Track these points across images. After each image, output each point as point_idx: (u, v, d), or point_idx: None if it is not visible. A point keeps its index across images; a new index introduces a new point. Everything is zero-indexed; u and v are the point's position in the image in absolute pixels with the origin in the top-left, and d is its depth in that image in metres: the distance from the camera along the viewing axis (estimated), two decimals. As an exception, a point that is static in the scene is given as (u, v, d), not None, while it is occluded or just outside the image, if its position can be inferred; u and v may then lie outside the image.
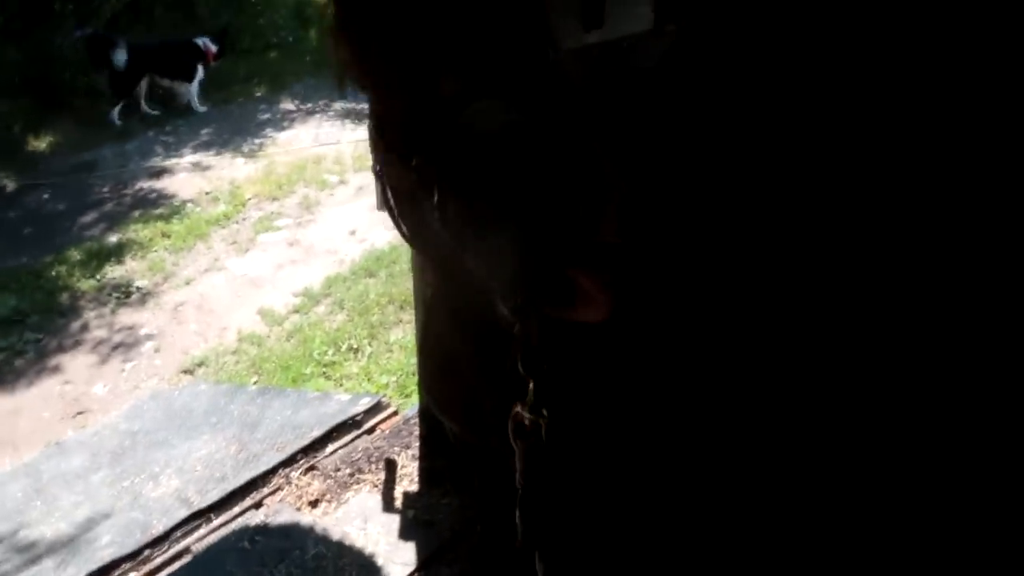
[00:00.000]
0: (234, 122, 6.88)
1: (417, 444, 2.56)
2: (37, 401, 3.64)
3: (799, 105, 0.61)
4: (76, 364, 3.88)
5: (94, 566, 2.46)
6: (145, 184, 5.73)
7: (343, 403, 2.98)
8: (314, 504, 2.50)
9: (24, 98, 6.56)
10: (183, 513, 2.56)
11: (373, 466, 2.58)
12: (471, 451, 1.81)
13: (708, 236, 0.68)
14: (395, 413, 2.90)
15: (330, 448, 2.73)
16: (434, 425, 2.47)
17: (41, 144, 6.27)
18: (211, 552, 2.45)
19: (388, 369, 3.50)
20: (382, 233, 4.83)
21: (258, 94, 7.38)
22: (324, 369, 3.59)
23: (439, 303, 1.42)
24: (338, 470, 2.60)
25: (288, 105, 7.36)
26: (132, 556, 2.49)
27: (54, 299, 4.38)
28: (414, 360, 3.52)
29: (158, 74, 6.80)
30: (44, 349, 4.00)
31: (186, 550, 2.49)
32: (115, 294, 4.41)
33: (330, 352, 3.71)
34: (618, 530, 0.90)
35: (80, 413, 3.56)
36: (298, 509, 2.51)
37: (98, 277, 4.56)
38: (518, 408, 0.87)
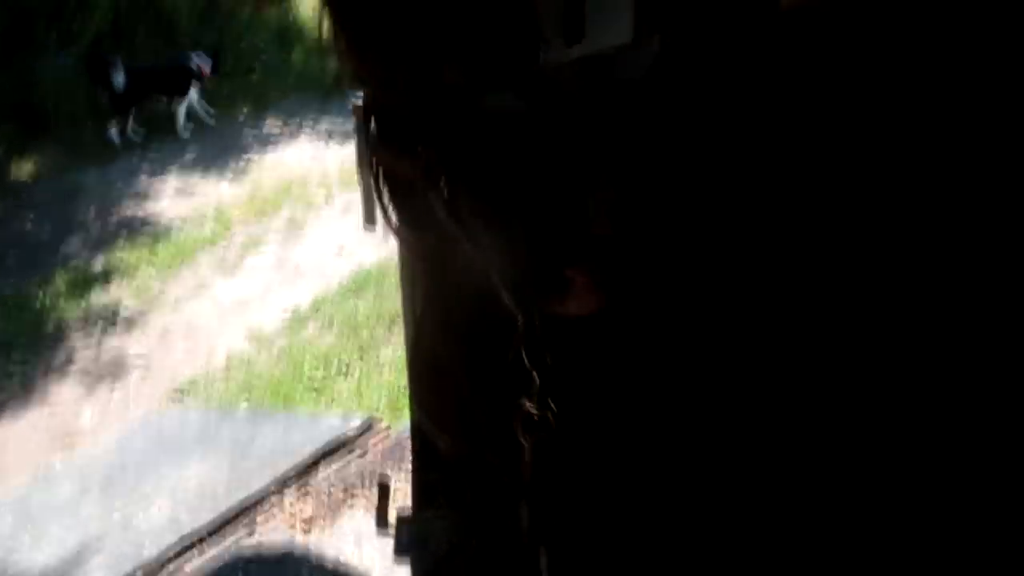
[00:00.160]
0: (218, 143, 6.85)
1: (410, 462, 2.55)
2: (24, 430, 3.60)
3: (785, 113, 0.62)
4: (63, 391, 3.85)
5: (86, 596, 2.44)
6: (130, 207, 5.70)
7: (335, 423, 2.97)
8: (308, 526, 2.48)
9: (6, 124, 6.53)
10: (175, 539, 2.54)
11: (366, 486, 2.57)
12: (464, 464, 1.80)
13: (702, 237, 0.68)
14: (387, 431, 2.89)
15: (323, 469, 2.72)
16: (427, 441, 2.45)
17: (24, 169, 6.24)
18: (205, 578, 2.43)
19: (379, 387, 3.49)
20: (370, 251, 4.83)
21: (242, 115, 7.36)
22: (315, 389, 3.57)
23: (429, 313, 1.42)
24: (331, 491, 2.58)
25: (273, 125, 7.35)
26: (125, 585, 2.46)
27: (39, 326, 4.34)
28: (405, 377, 3.51)
29: (156, 92, 6.82)
30: (30, 377, 3.96)
31: (179, 577, 2.47)
32: (102, 319, 4.38)
33: (320, 371, 3.70)
34: (624, 524, 0.89)
35: (68, 440, 3.53)
36: (292, 532, 2.49)
37: (84, 302, 4.53)
38: (524, 402, 0.87)
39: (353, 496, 2.54)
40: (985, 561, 0.63)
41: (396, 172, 0.96)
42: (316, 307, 4.29)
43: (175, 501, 2.76)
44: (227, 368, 3.85)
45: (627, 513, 0.86)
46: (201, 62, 6.78)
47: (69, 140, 6.59)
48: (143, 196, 5.88)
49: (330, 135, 7.09)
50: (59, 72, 6.87)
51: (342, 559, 2.34)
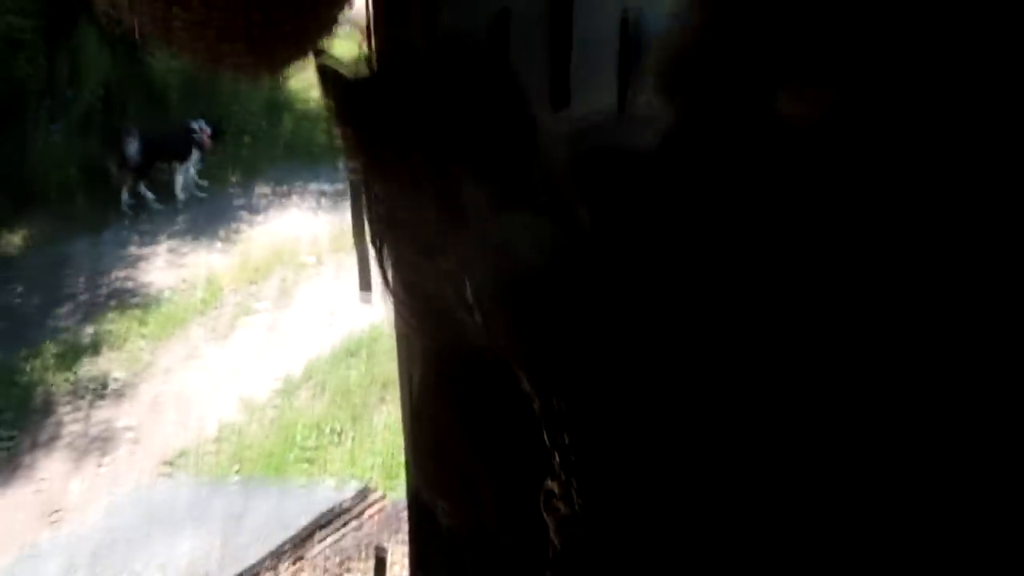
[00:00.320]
0: (209, 209, 6.92)
1: (407, 530, 2.52)
2: (10, 502, 3.53)
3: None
4: (51, 462, 3.79)
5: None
6: (120, 275, 5.71)
7: (329, 491, 2.94)
8: (304, 599, 2.43)
9: (-3, 194, 6.57)
10: (168, 616, 2.48)
11: (363, 557, 2.53)
12: (464, 532, 1.79)
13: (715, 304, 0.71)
14: (383, 499, 2.86)
15: (318, 539, 2.68)
16: (425, 510, 2.43)
17: (15, 239, 6.25)
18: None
19: (373, 452, 3.47)
20: (361, 316, 4.84)
21: (232, 181, 7.44)
22: (308, 456, 3.54)
23: (428, 380, 1.44)
24: (327, 563, 2.54)
25: (263, 190, 7.44)
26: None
27: (28, 396, 4.29)
28: (400, 441, 3.48)
29: (161, 160, 6.98)
30: (17, 448, 3.90)
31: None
32: (91, 388, 4.34)
33: (313, 438, 3.67)
34: None
35: (56, 513, 3.46)
36: (288, 605, 2.44)
37: (73, 372, 4.49)
38: (548, 482, 0.89)
39: (350, 568, 2.50)
40: (990, 561, 0.63)
41: (399, 236, 0.99)
42: (308, 374, 4.28)
43: (167, 575, 2.71)
44: (218, 438, 3.81)
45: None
46: (203, 129, 6.97)
47: (59, 210, 6.63)
48: (133, 265, 5.89)
49: (320, 201, 7.18)
50: (50, 143, 6.95)
51: (340, 633, 2.30)
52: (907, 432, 0.61)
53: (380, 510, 2.79)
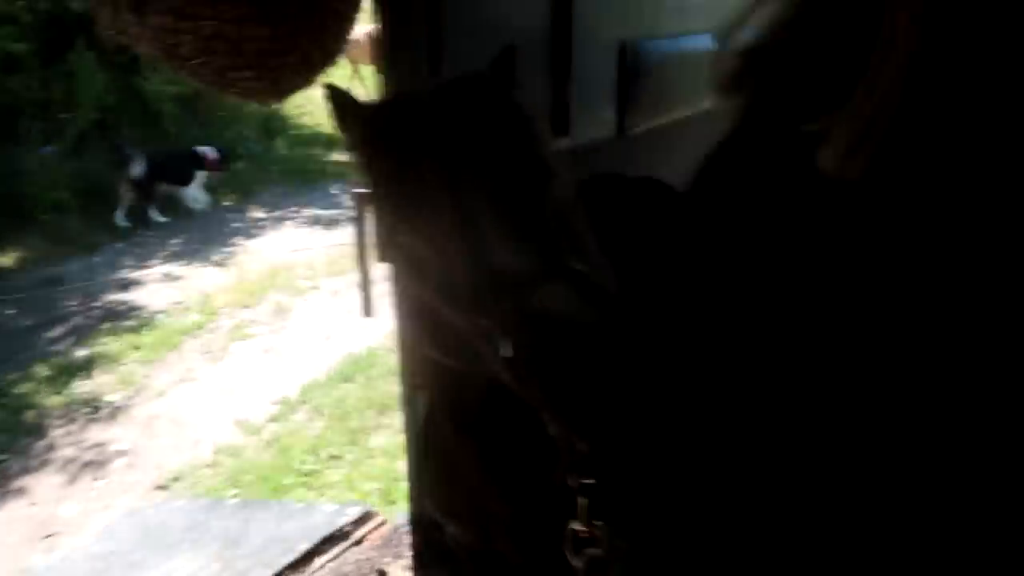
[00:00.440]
0: (204, 231, 6.93)
1: (409, 554, 2.50)
2: (2, 525, 3.49)
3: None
4: (43, 484, 3.75)
5: None
6: (114, 296, 5.69)
7: (329, 514, 2.91)
8: (305, 622, 2.41)
9: (-10, 215, 6.56)
10: (166, 639, 2.45)
11: (365, 578, 2.52)
12: (474, 557, 1.79)
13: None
14: (384, 522, 2.84)
15: (318, 562, 2.65)
16: (428, 534, 2.43)
17: (7, 259, 6.23)
18: None
19: (371, 476, 3.45)
20: (357, 337, 4.85)
21: (227, 203, 7.47)
22: (305, 479, 3.52)
23: (440, 403, 1.45)
24: (329, 585, 2.52)
25: (257, 213, 7.46)
26: None
27: (19, 417, 4.26)
28: (397, 466, 3.48)
29: (166, 181, 7.17)
30: (8, 470, 3.86)
31: None
32: (84, 410, 4.31)
33: (310, 461, 3.65)
34: None
35: (49, 536, 3.42)
36: (288, 628, 2.42)
37: (66, 393, 4.46)
38: (573, 523, 0.91)
39: (351, 589, 2.49)
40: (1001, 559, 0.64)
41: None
42: (304, 397, 4.27)
43: (164, 599, 2.68)
44: (214, 461, 3.79)
45: None
46: (210, 154, 7.14)
47: (53, 231, 6.63)
48: (127, 285, 5.88)
49: (314, 223, 7.21)
50: (45, 164, 6.97)
51: (340, 656, 2.27)
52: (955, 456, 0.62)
53: (382, 533, 2.77)
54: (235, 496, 3.43)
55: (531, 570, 1.65)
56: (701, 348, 0.73)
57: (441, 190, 0.96)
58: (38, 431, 4.16)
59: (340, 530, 2.80)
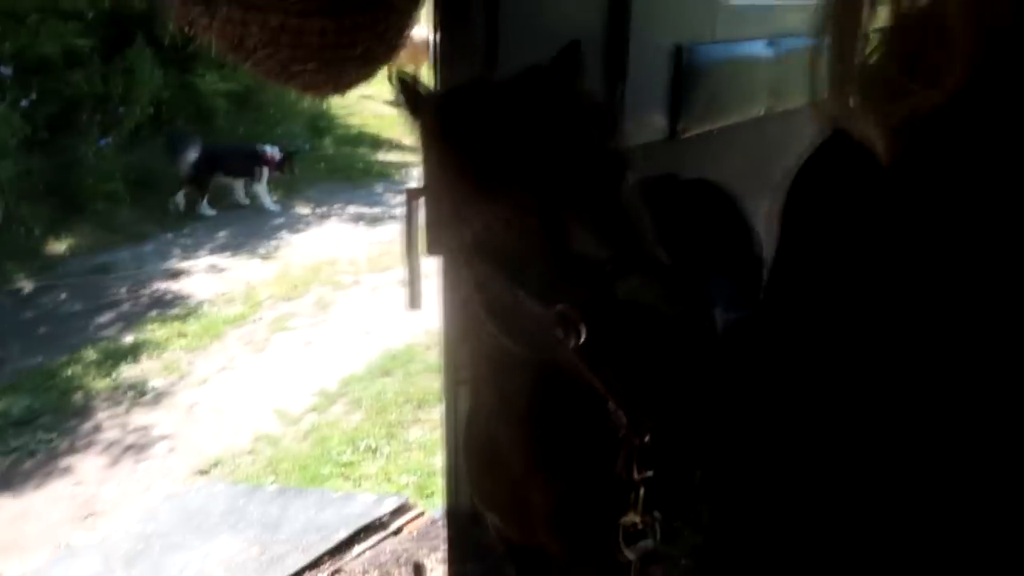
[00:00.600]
0: (249, 225, 7.06)
1: (445, 546, 2.52)
2: (46, 503, 3.58)
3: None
4: (87, 465, 3.84)
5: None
6: (161, 285, 5.82)
7: (368, 504, 2.94)
8: (341, 608, 2.43)
9: (46, 203, 6.76)
10: (205, 619, 2.49)
11: (401, 569, 2.53)
12: (513, 549, 1.80)
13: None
14: (421, 514, 2.86)
15: (356, 550, 2.68)
16: (463, 527, 2.44)
17: (60, 247, 6.41)
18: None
19: (407, 469, 3.48)
20: (397, 333, 4.90)
21: (273, 198, 7.60)
22: (342, 469, 3.56)
23: (488, 398, 1.46)
24: (365, 573, 2.54)
25: (303, 209, 7.59)
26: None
27: (67, 399, 4.37)
28: (434, 460, 3.50)
29: (224, 173, 7.35)
30: (55, 450, 3.96)
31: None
32: (129, 394, 4.41)
33: (348, 452, 3.69)
34: None
35: (90, 515, 3.50)
36: (324, 614, 2.44)
37: (113, 377, 4.57)
38: (629, 515, 0.91)
39: (387, 579, 2.50)
40: None
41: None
42: (343, 389, 4.32)
43: (203, 580, 2.72)
44: (253, 448, 3.85)
45: None
46: (273, 154, 7.32)
47: (104, 220, 6.80)
48: (175, 274, 6.01)
49: (358, 220, 7.30)
50: (99, 155, 7.17)
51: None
52: None
53: (419, 525, 2.79)
54: (273, 483, 3.48)
55: (571, 563, 1.65)
56: (779, 347, 0.72)
57: (522, 177, 0.97)
58: (85, 413, 4.26)
59: (378, 520, 2.83)
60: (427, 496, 3.21)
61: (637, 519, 0.92)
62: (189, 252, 6.44)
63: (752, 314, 0.76)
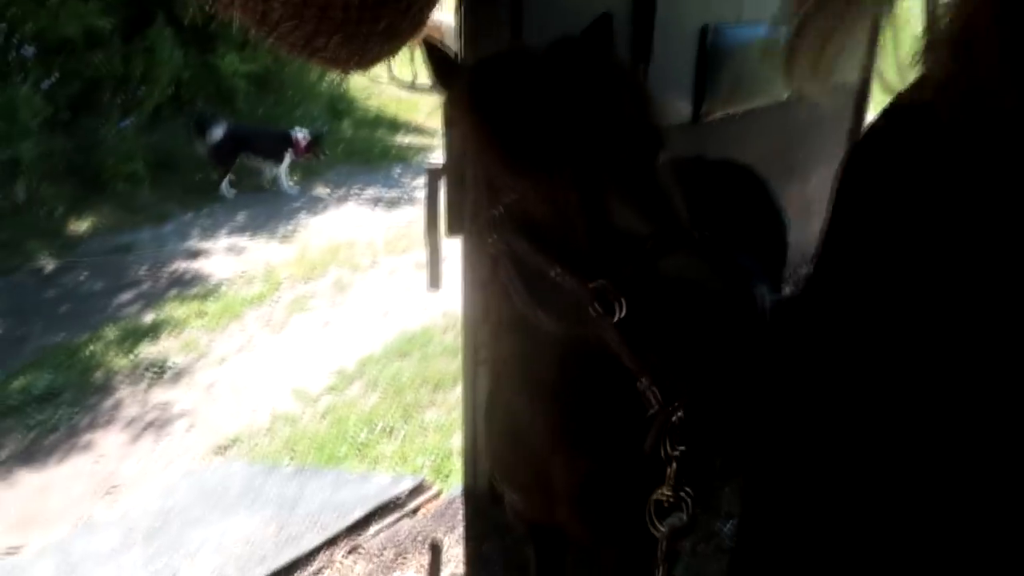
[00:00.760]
0: (268, 207, 7.09)
1: (461, 526, 2.52)
2: (68, 477, 3.62)
3: None
4: (108, 441, 3.88)
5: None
6: (181, 265, 5.86)
7: (385, 483, 2.95)
8: (358, 586, 2.44)
9: (68, 183, 6.81)
10: (224, 594, 2.51)
11: (418, 548, 2.54)
12: (533, 528, 1.79)
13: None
14: (438, 494, 2.87)
15: (373, 529, 2.69)
16: (481, 507, 2.44)
17: (81, 226, 6.45)
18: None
19: (424, 450, 3.48)
20: (415, 315, 4.91)
21: (291, 181, 7.62)
22: (359, 449, 3.57)
23: (511, 376, 1.45)
24: (383, 552, 2.55)
25: (321, 191, 7.60)
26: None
27: (88, 376, 4.41)
28: (450, 441, 3.51)
29: (251, 153, 7.35)
30: (77, 426, 4.01)
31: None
32: (149, 372, 4.45)
33: (364, 433, 3.71)
34: None
35: (111, 490, 3.54)
36: (342, 591, 2.45)
37: (133, 355, 4.61)
38: (660, 490, 0.90)
39: (405, 560, 2.51)
40: None
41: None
42: (360, 370, 4.33)
43: (222, 555, 2.74)
44: (271, 425, 3.87)
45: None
46: (301, 137, 7.32)
47: (126, 200, 6.85)
48: (194, 254, 6.05)
49: (376, 202, 7.30)
50: (120, 136, 7.20)
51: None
52: None
53: (435, 505, 2.80)
54: (290, 462, 3.50)
55: (591, 541, 1.64)
56: (825, 331, 0.70)
57: (561, 149, 0.94)
58: (106, 390, 4.30)
59: (395, 499, 2.84)
60: (443, 477, 3.21)
61: (668, 494, 0.91)
62: (208, 233, 6.48)
63: (796, 295, 0.74)
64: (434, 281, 2.22)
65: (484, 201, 1.09)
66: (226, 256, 6.03)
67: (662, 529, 0.91)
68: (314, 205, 7.25)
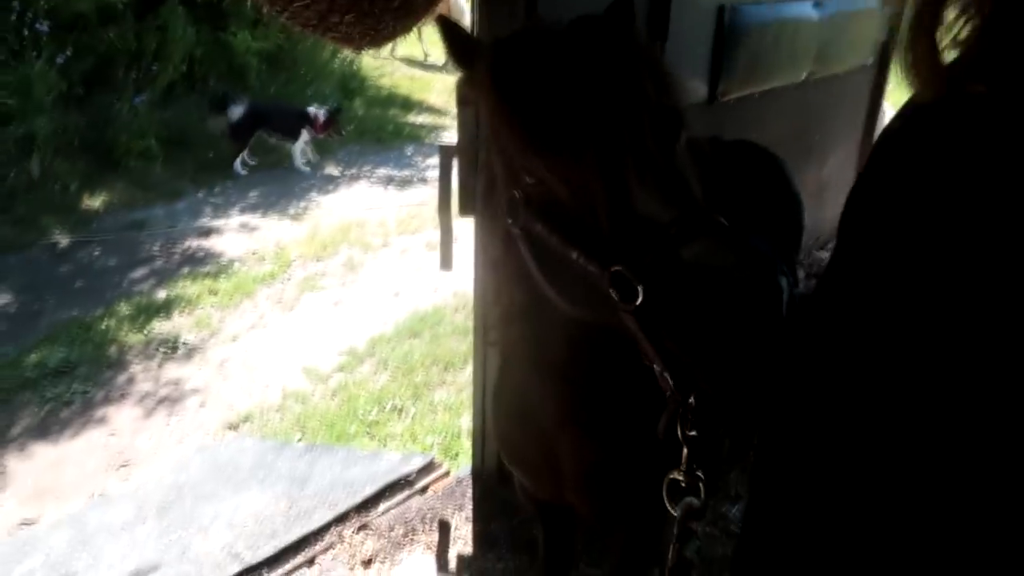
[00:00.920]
0: (280, 186, 7.09)
1: (470, 506, 2.54)
2: (82, 451, 3.66)
3: None
4: (122, 416, 3.92)
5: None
6: (194, 243, 5.88)
7: (395, 462, 2.96)
8: (367, 563, 2.46)
9: (81, 159, 6.83)
10: (235, 568, 2.53)
11: (427, 526, 2.56)
12: (541, 508, 1.80)
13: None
14: (447, 473, 2.88)
15: (383, 507, 2.71)
16: (489, 487, 2.45)
17: (95, 202, 6.48)
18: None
19: (433, 429, 3.50)
20: (425, 295, 4.91)
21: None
22: (368, 428, 3.59)
23: (519, 355, 1.44)
24: (392, 529, 2.57)
25: (333, 170, 7.59)
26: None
27: (102, 352, 4.44)
28: (459, 421, 3.52)
29: (269, 130, 7.36)
30: (91, 400, 4.04)
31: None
32: (162, 348, 4.48)
33: (374, 411, 3.72)
34: None
35: (125, 464, 3.58)
36: (351, 568, 2.47)
37: (146, 331, 4.64)
38: (674, 473, 0.90)
39: (414, 537, 2.52)
40: None
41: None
42: (371, 349, 4.35)
43: (232, 530, 2.77)
44: (282, 403, 3.90)
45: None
46: (320, 115, 7.31)
47: (139, 177, 6.87)
48: (207, 232, 6.06)
49: (387, 182, 7.29)
50: (133, 113, 7.21)
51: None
52: None
53: (444, 484, 2.81)
54: (301, 439, 3.52)
55: (599, 521, 1.64)
56: (847, 323, 0.69)
57: (582, 130, 0.92)
58: (119, 366, 4.34)
59: (404, 478, 2.85)
60: (452, 457, 3.23)
61: (681, 477, 0.90)
62: (221, 211, 6.49)
63: (817, 288, 0.73)
64: (446, 261, 2.21)
65: (502, 183, 1.07)
66: (238, 234, 6.05)
67: (675, 512, 0.91)
68: (326, 184, 7.24)
